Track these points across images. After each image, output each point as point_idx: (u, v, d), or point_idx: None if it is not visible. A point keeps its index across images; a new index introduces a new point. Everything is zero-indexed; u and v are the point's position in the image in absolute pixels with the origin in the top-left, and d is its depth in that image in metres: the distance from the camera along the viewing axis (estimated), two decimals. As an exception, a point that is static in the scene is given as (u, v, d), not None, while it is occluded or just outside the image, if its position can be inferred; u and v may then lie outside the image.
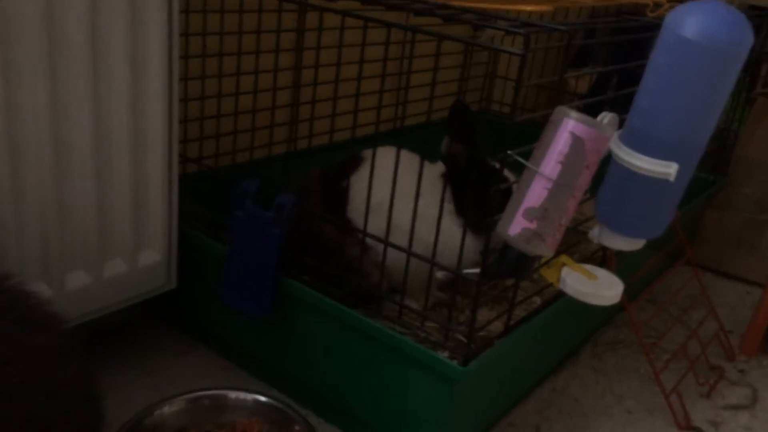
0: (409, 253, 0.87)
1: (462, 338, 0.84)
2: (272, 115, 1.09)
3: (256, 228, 0.89)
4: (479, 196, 0.95)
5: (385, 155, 1.05)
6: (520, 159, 0.78)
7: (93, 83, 0.80)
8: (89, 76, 0.80)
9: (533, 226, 0.77)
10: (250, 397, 0.87)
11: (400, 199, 0.87)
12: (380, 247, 0.89)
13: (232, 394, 0.87)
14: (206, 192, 1.02)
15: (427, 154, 0.94)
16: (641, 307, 1.27)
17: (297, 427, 0.83)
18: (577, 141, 0.77)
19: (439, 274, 1.04)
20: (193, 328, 1.09)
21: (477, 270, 0.81)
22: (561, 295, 0.92)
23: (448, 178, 1.01)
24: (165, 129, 0.89)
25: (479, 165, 0.99)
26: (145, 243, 0.93)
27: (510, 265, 0.79)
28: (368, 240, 0.91)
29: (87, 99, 0.80)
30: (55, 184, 0.80)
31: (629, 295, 0.99)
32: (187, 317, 1.09)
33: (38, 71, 0.75)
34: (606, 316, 1.26)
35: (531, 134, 0.77)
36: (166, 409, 0.83)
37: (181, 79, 0.94)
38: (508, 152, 0.78)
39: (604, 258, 1.08)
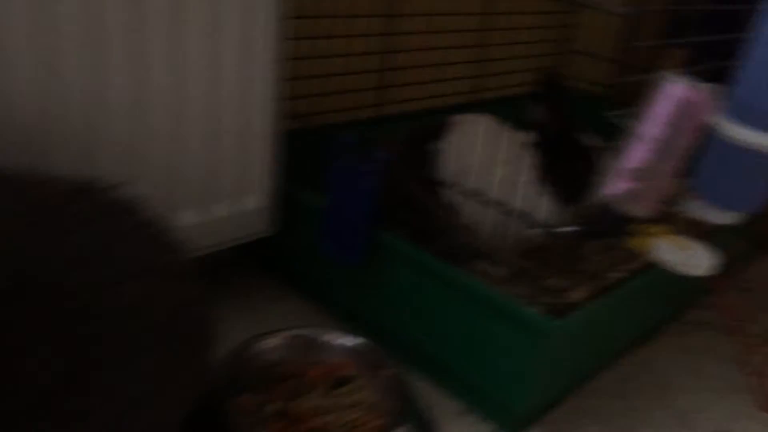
0: (498, 209, 0.89)
1: (550, 300, 0.86)
2: (380, 78, 1.12)
3: (353, 180, 0.93)
4: (568, 165, 0.97)
5: (472, 122, 1.07)
6: (620, 121, 0.80)
7: (210, 40, 0.86)
8: (206, 34, 0.85)
9: (633, 186, 0.78)
10: (343, 339, 0.91)
11: (485, 165, 0.90)
12: (468, 208, 0.92)
13: (327, 335, 0.91)
14: (306, 147, 1.06)
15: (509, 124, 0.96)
16: (730, 291, 1.26)
17: (387, 372, 0.87)
18: (680, 103, 0.78)
19: (529, 234, 1.05)
20: (287, 275, 1.14)
21: (573, 228, 0.82)
22: (651, 267, 0.92)
23: (532, 146, 1.03)
24: (271, 85, 0.94)
25: (568, 134, 1.00)
26: (248, 189, 0.97)
27: (607, 225, 0.81)
28: (455, 202, 0.94)
29: (203, 54, 0.85)
30: (177, 128, 0.86)
31: (718, 277, 0.98)
32: (282, 264, 1.14)
33: (164, 23, 0.81)
34: (693, 297, 1.25)
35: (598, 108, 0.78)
36: (266, 343, 0.88)
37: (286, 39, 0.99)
38: (608, 114, 0.79)
39: (696, 233, 1.08)
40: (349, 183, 0.92)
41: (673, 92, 0.78)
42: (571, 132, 1.01)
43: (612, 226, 0.81)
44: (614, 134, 0.81)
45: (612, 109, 0.84)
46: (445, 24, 1.38)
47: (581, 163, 0.98)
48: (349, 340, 0.91)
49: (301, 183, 1.04)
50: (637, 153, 0.78)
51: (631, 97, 0.82)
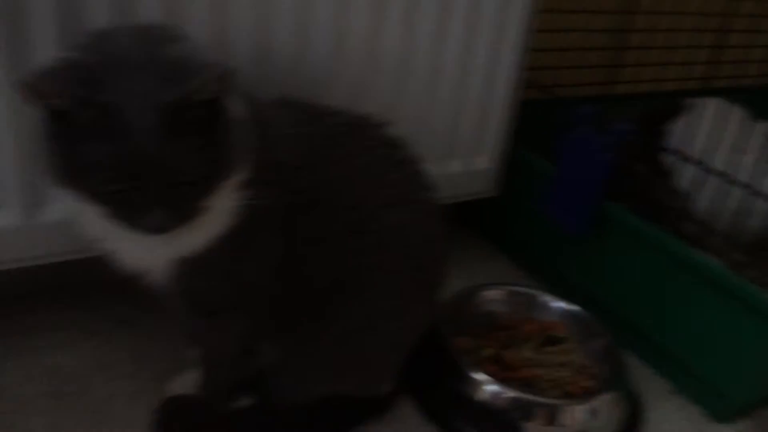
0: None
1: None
2: (615, 56, 1.13)
3: (588, 151, 0.95)
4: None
5: (709, 106, 1.04)
6: None
7: (471, 7, 0.91)
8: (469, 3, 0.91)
9: None
10: (558, 302, 0.94)
11: (720, 150, 0.88)
12: (700, 189, 0.91)
13: (544, 296, 0.95)
14: (538, 116, 1.09)
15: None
16: None
17: (601, 340, 0.89)
18: None
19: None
20: (500, 237, 1.18)
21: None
22: None
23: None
24: (516, 54, 0.98)
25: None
26: (481, 150, 1.03)
27: None
28: (684, 187, 0.93)
29: (463, 20, 0.91)
30: (432, 87, 0.93)
31: None
32: (497, 226, 1.19)
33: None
34: None
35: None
36: (487, 293, 0.95)
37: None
38: None
39: None
40: (584, 153, 0.94)
41: None
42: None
43: None
44: None
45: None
46: (687, 6, 1.34)
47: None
48: (563, 304, 0.94)
49: (531, 149, 1.08)
50: None
51: None
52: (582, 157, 0.95)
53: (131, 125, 0.51)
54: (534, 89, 1.14)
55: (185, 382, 0.78)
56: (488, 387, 0.78)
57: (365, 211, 0.69)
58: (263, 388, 0.77)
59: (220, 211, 0.60)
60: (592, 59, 1.22)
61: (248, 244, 0.64)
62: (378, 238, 0.70)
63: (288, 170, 0.65)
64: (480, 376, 0.79)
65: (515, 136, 1.07)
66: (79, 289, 0.92)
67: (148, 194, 0.54)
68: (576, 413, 0.79)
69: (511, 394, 0.78)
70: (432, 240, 0.76)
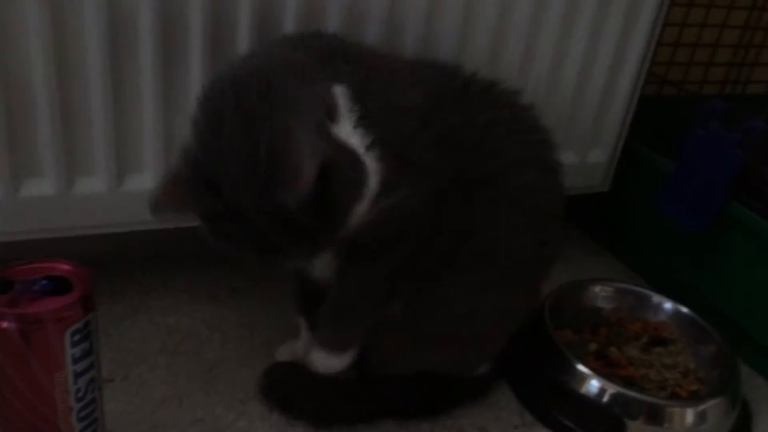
0: None
1: None
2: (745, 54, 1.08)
3: (716, 147, 0.91)
4: None
5: None
6: None
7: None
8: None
9: None
10: (670, 304, 0.92)
11: None
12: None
13: (656, 297, 0.93)
14: (657, 111, 1.06)
15: None
16: None
17: (711, 345, 0.86)
18: None
19: None
20: (606, 233, 1.16)
21: None
22: None
23: None
24: (643, 46, 0.95)
25: None
26: (597, 143, 1.01)
27: None
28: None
29: (590, 13, 0.90)
30: (556, 73, 0.93)
31: None
32: (603, 221, 1.16)
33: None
34: None
35: None
36: (595, 288, 0.93)
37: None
38: None
39: None
40: (714, 149, 0.91)
41: None
42: None
43: None
44: None
45: None
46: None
47: None
48: (673, 305, 0.92)
49: (647, 144, 1.05)
50: None
51: None
52: (711, 154, 0.91)
53: (248, 222, 0.58)
54: (658, 84, 1.11)
55: (292, 350, 0.81)
56: (593, 381, 0.77)
57: (496, 165, 0.70)
58: (364, 360, 0.79)
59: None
60: (722, 56, 1.17)
61: (402, 215, 0.65)
62: (505, 198, 0.70)
63: (426, 146, 0.66)
64: (585, 369, 0.78)
65: (631, 130, 1.04)
66: (196, 256, 0.97)
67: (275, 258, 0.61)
68: (683, 415, 0.77)
69: (616, 389, 0.77)
70: (552, 218, 0.76)
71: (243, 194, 0.58)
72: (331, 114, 0.59)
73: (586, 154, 1.01)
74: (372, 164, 0.61)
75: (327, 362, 0.75)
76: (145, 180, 0.77)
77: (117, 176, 0.76)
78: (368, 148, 0.61)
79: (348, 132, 0.60)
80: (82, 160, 0.74)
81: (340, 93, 0.61)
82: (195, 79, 0.74)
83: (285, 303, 0.87)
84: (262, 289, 0.94)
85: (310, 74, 0.61)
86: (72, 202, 0.75)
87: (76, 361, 0.56)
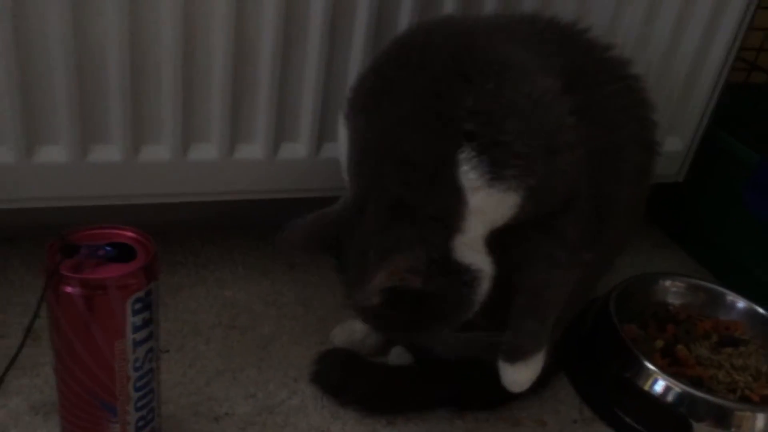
0: None
1: None
2: None
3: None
4: None
5: None
6: None
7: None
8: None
9: None
10: (744, 302, 0.87)
11: None
12: None
13: (730, 295, 0.88)
14: (746, 99, 1.01)
15: None
16: None
17: (788, 347, 0.82)
18: None
19: None
20: (675, 225, 1.11)
21: None
22: None
23: None
24: (733, 32, 0.90)
25: None
26: (675, 130, 0.96)
27: None
28: None
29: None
30: (636, 60, 0.85)
31: None
32: (673, 213, 1.10)
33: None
34: None
35: None
36: (664, 283, 0.89)
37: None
38: None
39: None
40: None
41: None
42: None
43: None
44: None
45: None
46: None
47: None
48: (747, 304, 0.87)
49: (730, 133, 1.00)
50: None
51: None
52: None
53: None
54: (747, 70, 1.06)
55: (349, 331, 0.80)
56: (659, 379, 0.74)
57: (610, 140, 0.67)
58: (417, 346, 0.77)
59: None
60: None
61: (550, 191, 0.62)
62: (616, 176, 0.68)
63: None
64: (651, 366, 0.75)
65: (714, 118, 0.99)
66: (255, 229, 0.96)
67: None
68: (753, 420, 0.73)
69: (683, 389, 0.73)
70: (643, 199, 0.73)
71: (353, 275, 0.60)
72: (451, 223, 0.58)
73: (663, 142, 0.95)
74: (510, 200, 0.58)
75: (524, 375, 0.68)
76: (210, 150, 0.77)
77: (182, 145, 0.75)
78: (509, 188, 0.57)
79: (486, 201, 0.57)
80: (148, 129, 0.74)
81: (467, 158, 0.56)
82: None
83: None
84: (319, 266, 0.93)
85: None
86: (136, 169, 0.75)
87: (136, 329, 0.55)
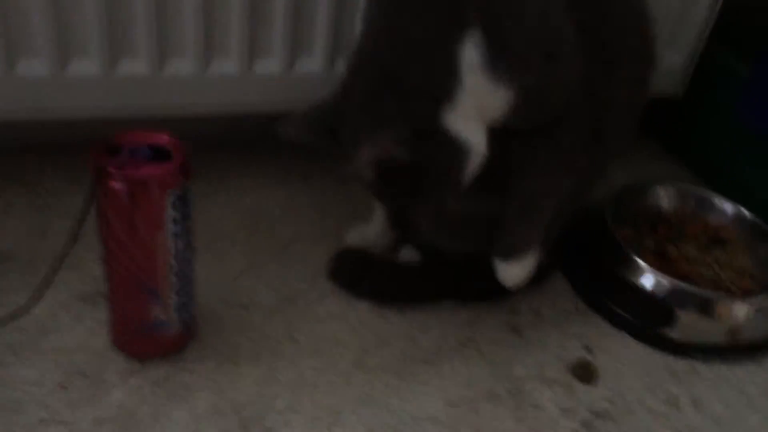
0: None
1: None
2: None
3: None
4: None
5: None
6: None
7: None
8: None
9: None
10: (731, 206, 0.93)
11: None
12: None
13: (719, 200, 0.94)
14: (742, 15, 1.03)
15: None
16: None
17: (766, 244, 0.88)
18: None
19: None
20: (672, 138, 1.16)
21: None
22: None
23: None
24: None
25: None
26: (674, 44, 0.99)
27: None
28: None
29: None
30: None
31: None
32: (669, 128, 1.15)
33: None
34: None
35: None
36: (657, 189, 0.95)
37: None
38: None
39: None
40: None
41: None
42: None
43: None
44: None
45: None
46: None
47: None
48: (734, 207, 0.93)
49: (730, 49, 1.03)
50: None
51: None
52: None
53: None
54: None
55: (362, 233, 0.86)
56: (649, 274, 0.81)
57: (613, 54, 0.71)
58: (425, 244, 0.83)
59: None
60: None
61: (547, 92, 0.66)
62: (614, 86, 0.72)
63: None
64: (641, 263, 0.81)
65: (713, 33, 1.02)
66: (270, 144, 1.01)
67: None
68: (732, 309, 0.80)
69: (671, 282, 0.80)
70: (639, 109, 0.77)
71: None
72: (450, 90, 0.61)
73: (662, 56, 0.99)
74: (504, 93, 0.61)
75: (517, 271, 0.74)
76: (230, 65, 0.81)
77: (204, 59, 0.80)
78: (501, 79, 0.61)
79: (480, 82, 0.61)
80: (172, 43, 0.78)
81: (472, 41, 0.60)
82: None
83: (353, 189, 0.93)
84: (331, 176, 0.99)
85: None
86: (162, 82, 0.80)
87: (175, 222, 0.62)
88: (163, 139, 0.62)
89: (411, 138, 0.61)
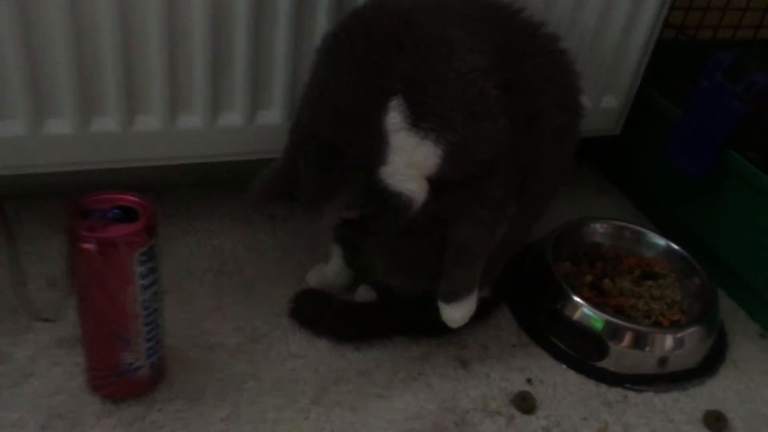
0: None
1: None
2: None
3: (719, 99, 0.98)
4: None
5: None
6: None
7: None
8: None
9: None
10: (664, 241, 1.01)
11: None
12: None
13: (651, 235, 1.02)
14: (675, 59, 1.12)
15: None
16: None
17: (697, 280, 0.96)
18: None
19: None
20: (614, 173, 1.24)
21: None
22: None
23: None
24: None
25: None
26: (611, 88, 1.07)
27: None
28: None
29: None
30: (574, 24, 0.99)
31: None
32: (612, 163, 1.24)
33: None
34: None
35: None
36: (594, 225, 1.03)
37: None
38: None
39: None
40: (716, 101, 0.97)
41: None
42: None
43: None
44: None
45: None
46: None
47: None
48: (667, 242, 1.01)
49: (660, 91, 1.11)
50: None
51: None
52: (714, 105, 0.98)
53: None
54: (674, 29, 1.15)
55: (321, 273, 0.93)
56: (585, 309, 0.88)
57: (537, 108, 0.78)
58: (379, 284, 0.89)
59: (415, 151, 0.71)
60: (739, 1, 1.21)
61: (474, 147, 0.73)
62: (541, 137, 0.79)
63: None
64: (578, 299, 0.88)
65: (646, 77, 1.10)
66: (238, 186, 1.07)
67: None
68: (661, 341, 0.88)
69: (605, 318, 0.87)
70: (570, 158, 0.85)
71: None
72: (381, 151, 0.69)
73: (600, 100, 1.07)
74: (430, 149, 0.69)
75: (459, 313, 0.81)
76: (195, 120, 0.88)
77: (170, 114, 0.86)
78: (426, 137, 0.69)
79: (406, 142, 0.69)
80: (139, 101, 0.84)
81: (395, 107, 0.68)
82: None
83: (314, 231, 0.99)
84: (295, 217, 1.05)
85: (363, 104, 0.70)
86: (132, 137, 0.86)
87: (142, 276, 0.68)
88: (130, 200, 0.68)
89: (359, 199, 0.68)
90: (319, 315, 0.88)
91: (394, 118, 0.68)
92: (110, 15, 0.77)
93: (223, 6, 0.82)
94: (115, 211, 0.67)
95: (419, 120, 0.68)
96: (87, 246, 0.64)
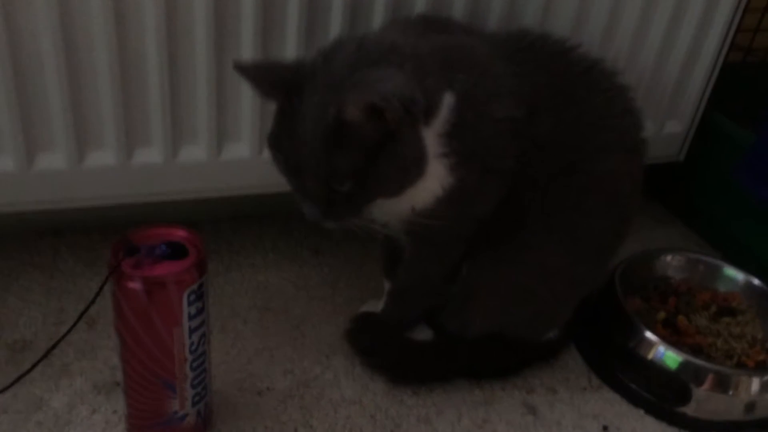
0: None
1: None
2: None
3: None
4: None
5: None
6: None
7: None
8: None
9: None
10: (742, 275, 0.94)
11: None
12: None
13: (727, 268, 0.95)
14: (741, 81, 1.06)
15: None
16: None
17: (778, 314, 0.88)
18: None
19: None
20: (676, 204, 1.17)
21: None
22: None
23: None
24: (729, 13, 0.95)
25: None
26: (675, 113, 1.01)
27: None
28: None
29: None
30: (637, 49, 0.94)
31: None
32: (674, 192, 1.16)
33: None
34: None
35: None
36: (665, 258, 0.96)
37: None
38: None
39: None
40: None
41: None
42: None
43: None
44: None
45: None
46: None
47: None
48: (744, 275, 0.94)
49: (727, 115, 1.05)
50: None
51: None
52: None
53: (302, 130, 0.63)
54: (743, 52, 1.10)
55: (375, 308, 0.87)
56: (660, 347, 0.81)
57: (583, 152, 0.73)
58: (440, 324, 0.84)
59: (436, 179, 0.68)
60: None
61: (471, 198, 0.70)
62: (588, 180, 0.74)
63: (508, 126, 0.69)
64: (653, 337, 0.81)
65: (711, 100, 1.04)
66: (280, 219, 1.03)
67: (302, 189, 0.66)
68: (747, 383, 0.80)
69: (684, 357, 0.80)
70: (632, 197, 0.79)
71: (317, 98, 0.63)
72: (427, 113, 0.64)
73: (664, 125, 1.01)
74: (439, 169, 0.67)
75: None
76: (242, 149, 0.83)
77: (217, 146, 0.82)
78: (444, 155, 0.66)
79: (431, 136, 0.65)
80: (186, 131, 0.80)
81: (447, 102, 0.65)
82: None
83: (365, 264, 0.94)
84: (342, 250, 1.00)
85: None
86: (175, 169, 0.81)
87: (191, 318, 0.62)
88: (179, 234, 0.64)
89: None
90: (377, 345, 0.83)
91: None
92: (155, 46, 0.73)
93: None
94: (164, 247, 0.62)
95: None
96: (132, 284, 0.60)
